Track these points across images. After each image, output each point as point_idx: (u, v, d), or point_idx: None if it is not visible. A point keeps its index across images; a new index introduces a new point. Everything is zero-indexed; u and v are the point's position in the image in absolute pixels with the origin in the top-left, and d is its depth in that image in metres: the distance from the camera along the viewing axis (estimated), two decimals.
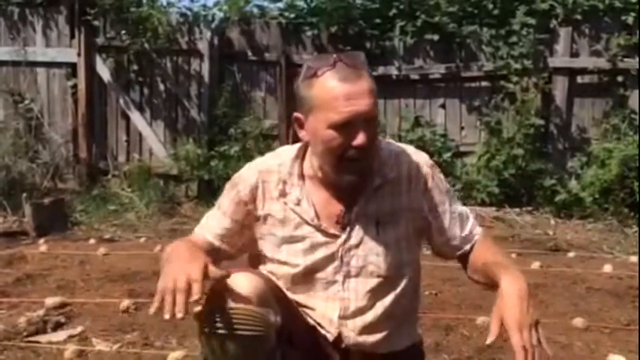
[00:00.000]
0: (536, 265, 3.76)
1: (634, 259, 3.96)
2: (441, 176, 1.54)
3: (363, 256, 1.46)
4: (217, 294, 1.29)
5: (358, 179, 1.41)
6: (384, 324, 1.48)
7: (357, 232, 1.46)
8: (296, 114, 1.45)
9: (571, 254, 4.20)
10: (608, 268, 3.69)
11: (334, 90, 1.35)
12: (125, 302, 2.93)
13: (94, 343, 2.50)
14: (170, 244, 1.47)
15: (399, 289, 1.49)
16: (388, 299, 1.48)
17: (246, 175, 1.51)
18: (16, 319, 2.72)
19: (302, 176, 1.48)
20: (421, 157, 1.53)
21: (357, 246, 1.46)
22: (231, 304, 1.26)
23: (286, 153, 1.52)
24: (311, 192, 1.47)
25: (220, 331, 1.26)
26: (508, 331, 1.24)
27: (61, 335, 2.59)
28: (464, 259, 1.55)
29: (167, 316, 1.19)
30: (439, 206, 1.51)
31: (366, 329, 1.48)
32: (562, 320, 2.79)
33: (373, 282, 1.47)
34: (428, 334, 2.53)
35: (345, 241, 1.45)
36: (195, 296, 1.20)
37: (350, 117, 1.34)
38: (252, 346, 1.27)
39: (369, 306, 1.47)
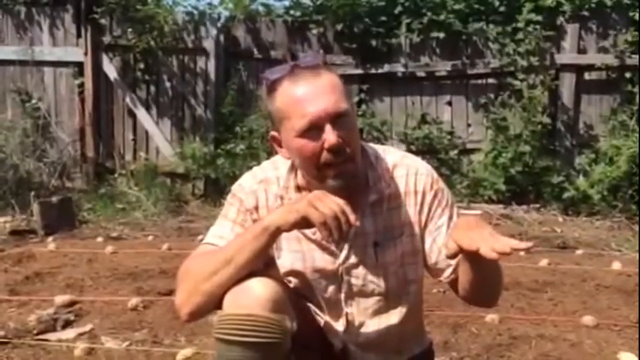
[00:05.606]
0: (544, 262, 3.75)
1: None
2: (444, 189, 1.43)
3: (363, 275, 1.41)
4: (235, 300, 1.26)
5: (343, 184, 1.30)
6: (389, 341, 1.45)
7: (356, 252, 1.40)
8: (272, 133, 1.38)
9: (579, 251, 4.18)
10: (616, 265, 3.68)
11: (292, 95, 1.28)
12: (133, 300, 2.93)
13: (104, 341, 2.51)
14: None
15: (404, 306, 1.44)
16: (393, 317, 1.44)
17: (247, 184, 1.44)
18: (26, 317, 2.73)
19: (298, 189, 1.40)
20: (422, 169, 1.42)
21: (357, 265, 1.40)
22: (249, 310, 1.23)
23: (283, 163, 1.43)
24: None
25: (237, 338, 1.22)
26: (466, 247, 1.11)
27: (70, 333, 2.59)
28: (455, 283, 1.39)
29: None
30: (437, 222, 1.40)
31: (371, 346, 1.45)
32: (571, 318, 2.79)
33: (375, 300, 1.43)
34: (436, 332, 2.54)
35: (345, 260, 1.40)
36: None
37: (313, 118, 1.26)
38: (269, 354, 1.24)
39: (373, 324, 1.44)
